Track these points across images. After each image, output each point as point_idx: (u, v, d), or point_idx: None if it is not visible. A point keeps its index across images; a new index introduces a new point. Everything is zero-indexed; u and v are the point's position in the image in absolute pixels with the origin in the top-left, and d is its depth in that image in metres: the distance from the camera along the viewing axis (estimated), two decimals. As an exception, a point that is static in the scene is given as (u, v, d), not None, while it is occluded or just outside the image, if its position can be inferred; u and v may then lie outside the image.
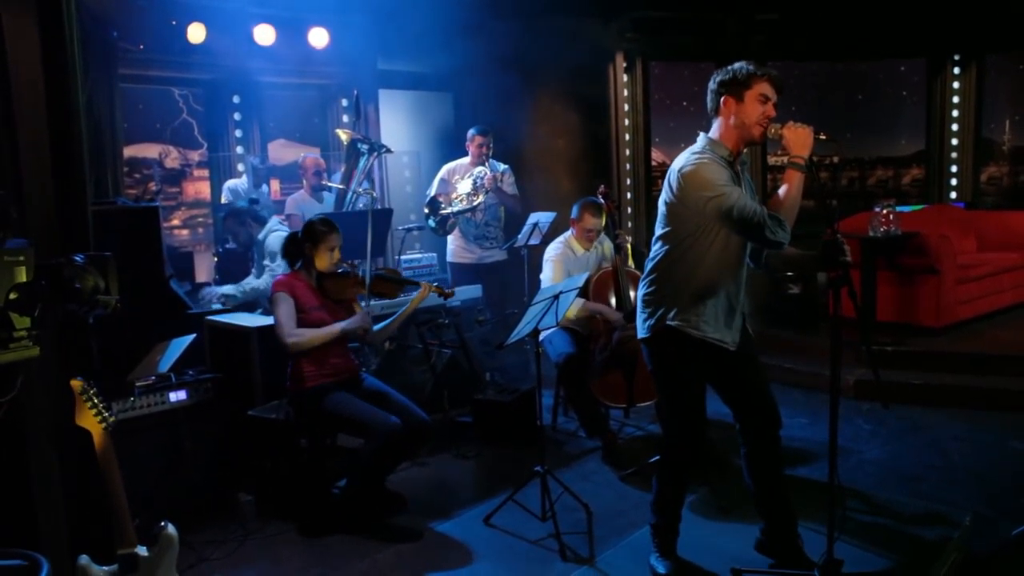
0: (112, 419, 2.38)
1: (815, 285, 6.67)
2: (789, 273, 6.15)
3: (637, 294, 3.04)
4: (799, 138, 2.68)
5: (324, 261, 3.72)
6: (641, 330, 2.99)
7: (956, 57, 8.05)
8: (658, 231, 2.94)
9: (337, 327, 3.67)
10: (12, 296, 1.44)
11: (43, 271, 1.52)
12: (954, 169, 8.24)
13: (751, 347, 3.04)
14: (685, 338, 2.87)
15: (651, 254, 2.97)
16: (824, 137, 2.71)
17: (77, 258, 1.63)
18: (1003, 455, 4.35)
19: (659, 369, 3.00)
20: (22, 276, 1.49)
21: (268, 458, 3.90)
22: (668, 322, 2.88)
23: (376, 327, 3.93)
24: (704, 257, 2.83)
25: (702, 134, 2.90)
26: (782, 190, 2.73)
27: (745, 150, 2.92)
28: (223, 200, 6.57)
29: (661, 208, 2.91)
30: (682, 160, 2.83)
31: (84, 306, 1.62)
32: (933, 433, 4.71)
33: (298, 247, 3.79)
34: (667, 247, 2.90)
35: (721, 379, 3.03)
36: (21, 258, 1.49)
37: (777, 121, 2.78)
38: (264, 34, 6.52)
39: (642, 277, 3.01)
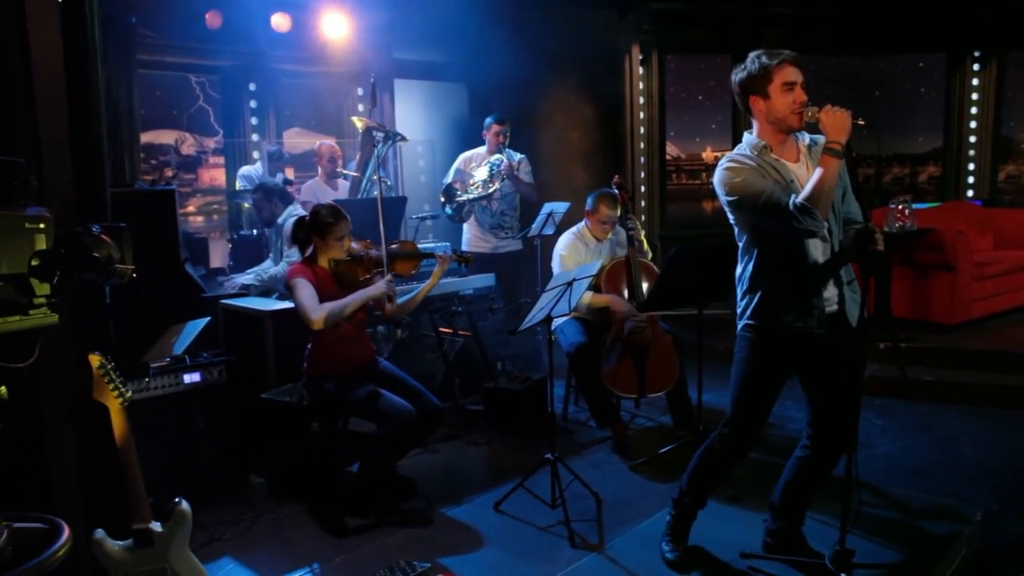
0: (129, 394, 2.41)
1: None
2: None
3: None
4: (837, 122, 2.60)
5: (335, 251, 3.66)
6: (737, 323, 2.97)
7: (976, 53, 7.97)
8: (735, 232, 2.94)
9: (361, 294, 3.60)
10: (34, 263, 1.46)
11: (62, 239, 1.54)
12: (972, 167, 8.17)
13: (849, 352, 2.86)
14: (768, 333, 2.83)
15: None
16: (863, 123, 2.63)
17: (94, 228, 1.65)
18: (1015, 452, 4.32)
19: (740, 362, 2.93)
20: (42, 243, 1.50)
21: (281, 441, 3.93)
22: (749, 319, 2.86)
23: (400, 300, 3.87)
24: (770, 249, 2.80)
25: (746, 133, 2.88)
26: (815, 176, 2.63)
27: (802, 134, 2.87)
28: (237, 187, 6.61)
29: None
30: (717, 167, 2.84)
31: (101, 275, 1.64)
32: (945, 429, 4.69)
33: (307, 233, 3.72)
34: (742, 246, 2.91)
35: (807, 373, 2.93)
36: (41, 226, 1.51)
37: (815, 104, 2.71)
38: (281, 22, 6.55)
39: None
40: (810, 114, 2.68)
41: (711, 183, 2.95)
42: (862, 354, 2.96)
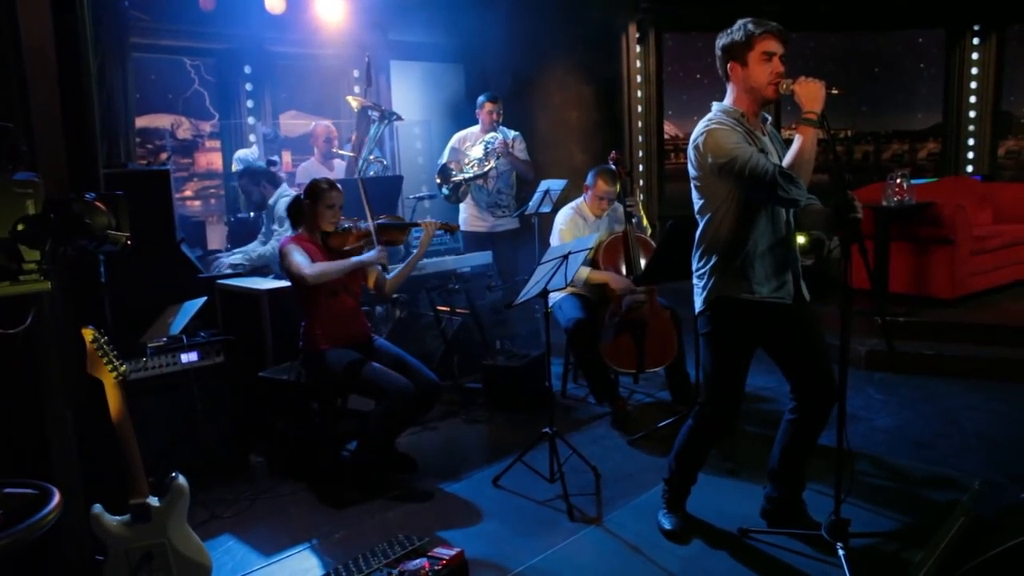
0: (124, 368, 2.41)
1: (828, 257, 6.64)
2: (813, 232, 6.14)
3: (689, 267, 3.01)
4: (811, 93, 2.64)
5: (324, 218, 3.70)
6: (697, 304, 2.97)
7: (976, 28, 7.93)
8: (696, 206, 2.94)
9: (355, 259, 3.68)
10: (20, 227, 1.45)
11: (52, 205, 1.53)
12: (971, 142, 8.15)
13: (810, 315, 2.98)
14: (740, 304, 2.84)
15: (698, 230, 2.95)
16: (836, 91, 2.67)
17: (88, 196, 1.64)
18: (1015, 423, 4.32)
19: (711, 339, 2.95)
20: (31, 209, 1.49)
21: (279, 419, 3.93)
22: (723, 293, 2.86)
23: (389, 275, 3.91)
24: (744, 219, 2.80)
25: (715, 103, 2.90)
26: (794, 147, 2.69)
27: (764, 112, 2.92)
28: (234, 169, 6.59)
29: (692, 183, 2.92)
30: (696, 131, 2.84)
31: (94, 241, 1.63)
32: (945, 402, 4.69)
33: (301, 208, 3.78)
34: (707, 218, 2.89)
35: (778, 342, 2.97)
36: (30, 191, 1.50)
37: (788, 76, 2.75)
38: (275, 3, 6.50)
39: (693, 251, 2.99)
40: (784, 86, 2.72)
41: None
42: (816, 314, 3.02)
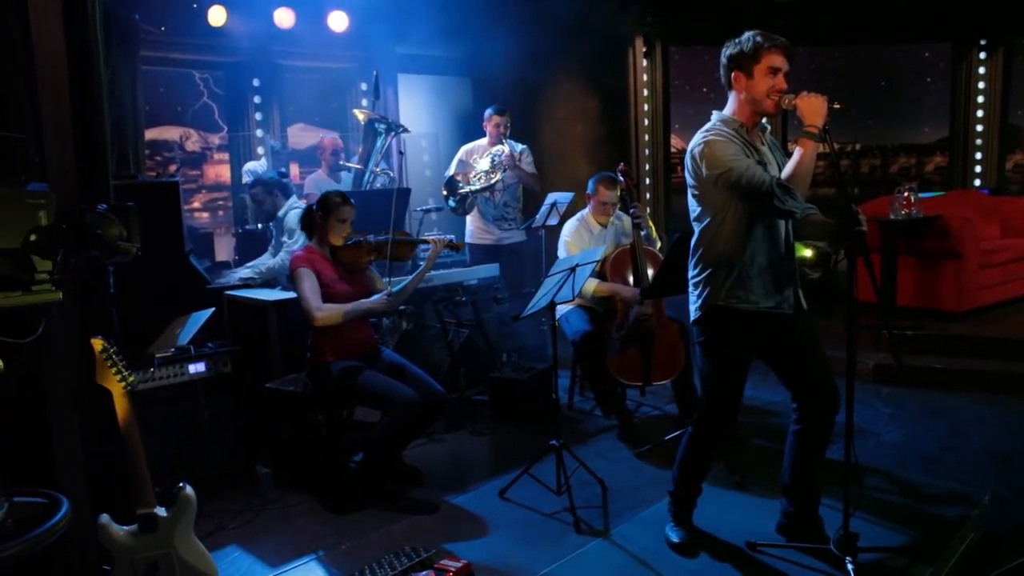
0: (132, 378, 2.41)
1: (834, 270, 6.62)
2: (819, 246, 6.16)
3: (687, 276, 3.01)
4: (812, 107, 2.65)
5: (335, 232, 3.73)
6: (692, 312, 2.98)
7: (982, 42, 7.91)
8: (692, 214, 2.95)
9: (364, 304, 3.69)
10: (32, 238, 1.46)
11: (65, 216, 1.54)
12: (979, 156, 8.11)
13: (808, 324, 2.98)
14: (738, 315, 2.84)
15: (694, 237, 2.96)
16: (838, 106, 2.68)
17: (100, 207, 1.66)
18: (1024, 439, 4.30)
19: (709, 347, 2.96)
20: (44, 220, 1.51)
21: (286, 430, 3.93)
22: (719, 302, 2.86)
23: (395, 288, 3.90)
24: (741, 229, 2.82)
25: (715, 112, 2.92)
26: (793, 159, 2.70)
27: (764, 120, 2.93)
28: (244, 182, 6.62)
29: (688, 192, 2.94)
30: (694, 141, 2.86)
31: (105, 252, 1.64)
32: (953, 416, 4.66)
33: (313, 219, 3.81)
34: (703, 226, 2.90)
35: (778, 352, 2.98)
36: (42, 201, 1.51)
37: (791, 91, 2.77)
38: (284, 17, 6.55)
39: (689, 258, 2.99)
40: (786, 101, 2.74)
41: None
42: (814, 323, 3.03)
